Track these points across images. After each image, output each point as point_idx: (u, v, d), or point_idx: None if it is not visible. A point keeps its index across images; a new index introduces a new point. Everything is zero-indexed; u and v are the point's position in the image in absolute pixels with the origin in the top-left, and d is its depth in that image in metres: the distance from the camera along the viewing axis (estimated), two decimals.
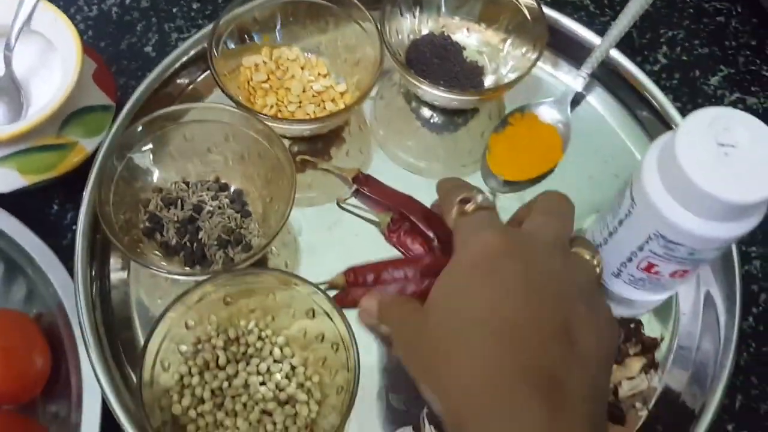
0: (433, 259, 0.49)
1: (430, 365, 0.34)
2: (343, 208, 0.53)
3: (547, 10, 0.58)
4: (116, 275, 0.50)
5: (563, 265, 0.36)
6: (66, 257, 0.48)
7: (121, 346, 0.48)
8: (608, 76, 0.58)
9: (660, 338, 0.48)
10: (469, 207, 0.38)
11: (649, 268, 0.46)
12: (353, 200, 0.53)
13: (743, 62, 0.63)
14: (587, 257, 0.38)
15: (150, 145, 0.49)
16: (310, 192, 0.55)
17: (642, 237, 0.44)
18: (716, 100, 0.60)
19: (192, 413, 0.43)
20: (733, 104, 0.60)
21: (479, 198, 0.39)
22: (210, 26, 0.52)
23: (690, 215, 0.40)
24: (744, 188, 0.38)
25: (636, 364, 0.45)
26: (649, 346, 0.46)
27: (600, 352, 0.34)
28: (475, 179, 0.56)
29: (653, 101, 0.56)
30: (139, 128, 0.47)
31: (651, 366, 0.46)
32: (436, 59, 0.57)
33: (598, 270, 0.38)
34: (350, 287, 0.49)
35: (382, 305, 0.40)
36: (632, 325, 0.46)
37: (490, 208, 0.39)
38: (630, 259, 0.46)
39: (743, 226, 0.41)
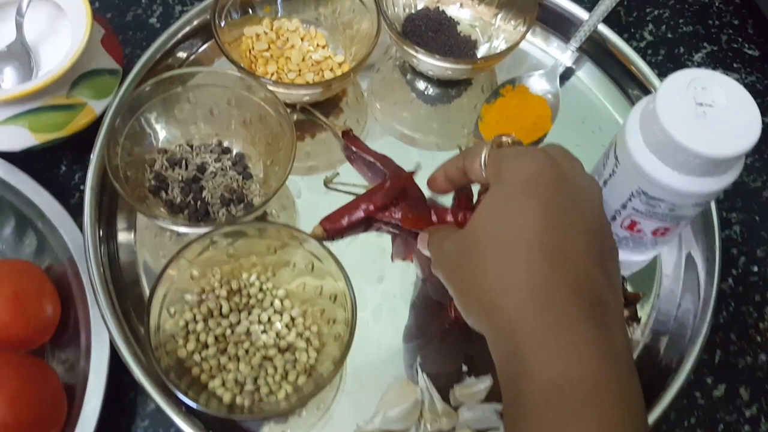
0: (390, 182, 0.53)
1: (477, 283, 0.36)
2: (329, 188, 0.55)
3: None
4: (123, 235, 0.52)
5: (599, 193, 0.39)
6: (74, 215, 0.50)
7: (127, 300, 0.49)
8: (596, 51, 0.61)
9: (641, 294, 0.50)
10: (506, 140, 0.41)
11: (632, 226, 0.48)
12: (339, 179, 0.55)
13: (726, 40, 0.65)
14: None
15: (156, 108, 0.51)
16: (309, 161, 0.57)
17: (625, 195, 0.46)
18: None
19: (196, 357, 0.45)
20: None
21: (512, 137, 0.42)
22: None
23: (670, 171, 0.43)
24: (720, 143, 0.41)
25: None
26: (631, 300, 0.48)
27: (620, 282, 0.37)
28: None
29: (639, 75, 0.59)
30: (147, 88, 0.49)
31: (632, 319, 0.48)
32: (431, 32, 0.60)
33: None
34: (329, 234, 0.52)
35: (429, 233, 0.43)
36: None
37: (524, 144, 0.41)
38: (614, 218, 0.48)
39: (720, 182, 0.43)
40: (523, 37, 0.55)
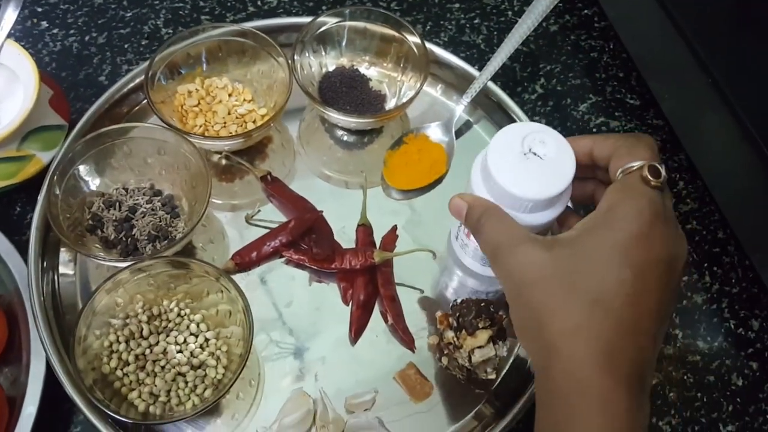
0: (294, 223, 0.60)
1: (548, 312, 0.36)
2: (250, 224, 0.63)
3: (437, 49, 0.69)
4: (65, 267, 0.60)
5: (683, 260, 0.39)
6: (25, 250, 0.58)
7: (64, 324, 0.57)
8: (488, 105, 0.69)
9: (505, 317, 0.58)
10: (655, 182, 0.39)
11: None
12: (259, 216, 0.64)
13: (610, 91, 0.74)
14: None
15: (93, 159, 0.59)
16: (235, 199, 0.65)
17: None
18: (583, 124, 0.71)
19: (119, 373, 0.53)
20: (598, 127, 0.71)
21: (663, 173, 0.40)
22: (147, 63, 0.63)
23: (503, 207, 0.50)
24: (537, 188, 0.48)
25: (484, 335, 0.54)
26: (497, 321, 0.56)
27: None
28: (377, 190, 0.66)
29: None
30: (85, 144, 0.57)
31: (499, 337, 0.56)
32: (345, 88, 0.68)
33: None
34: (239, 268, 0.59)
35: (471, 210, 0.45)
36: (482, 304, 0.56)
37: (665, 190, 0.40)
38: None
39: (546, 216, 0.50)
40: (417, 93, 0.64)
